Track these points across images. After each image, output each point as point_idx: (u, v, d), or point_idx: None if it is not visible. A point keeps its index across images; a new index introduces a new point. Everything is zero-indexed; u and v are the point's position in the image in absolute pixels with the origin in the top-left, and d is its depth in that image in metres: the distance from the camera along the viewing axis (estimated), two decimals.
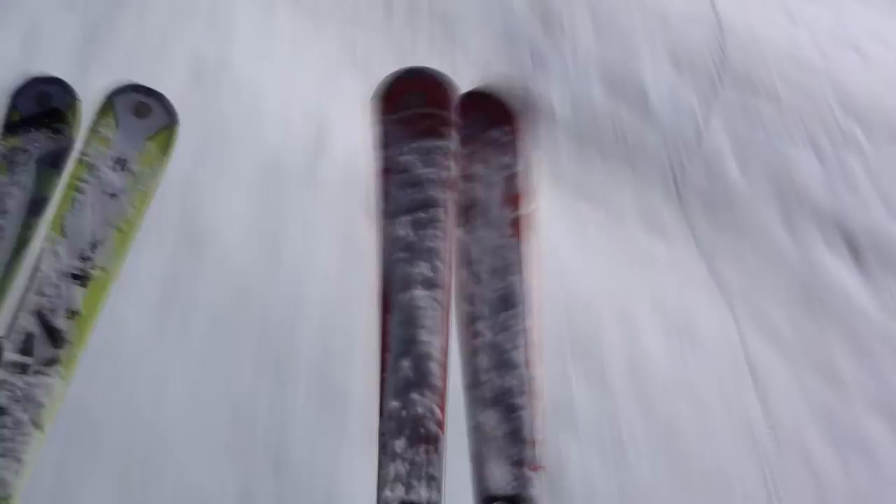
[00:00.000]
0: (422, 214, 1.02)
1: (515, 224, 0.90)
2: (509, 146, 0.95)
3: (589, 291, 1.20)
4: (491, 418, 0.81)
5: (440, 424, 0.90)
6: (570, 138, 1.40)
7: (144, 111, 0.91)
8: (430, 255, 1.01)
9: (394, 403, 0.91)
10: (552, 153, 1.36)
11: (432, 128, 1.07)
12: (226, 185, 1.11)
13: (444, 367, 0.95)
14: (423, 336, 0.95)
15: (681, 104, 1.52)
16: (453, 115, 0.97)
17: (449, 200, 1.03)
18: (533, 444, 0.82)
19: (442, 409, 0.91)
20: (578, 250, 1.25)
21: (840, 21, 1.83)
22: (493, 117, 0.96)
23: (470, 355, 0.84)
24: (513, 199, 0.89)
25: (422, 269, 1.01)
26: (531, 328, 0.87)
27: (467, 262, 0.90)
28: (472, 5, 1.53)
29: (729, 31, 1.70)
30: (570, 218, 1.29)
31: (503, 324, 0.88)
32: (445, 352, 0.97)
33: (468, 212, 0.93)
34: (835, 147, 1.50)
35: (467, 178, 0.95)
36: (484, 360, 0.87)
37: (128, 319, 0.98)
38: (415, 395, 0.92)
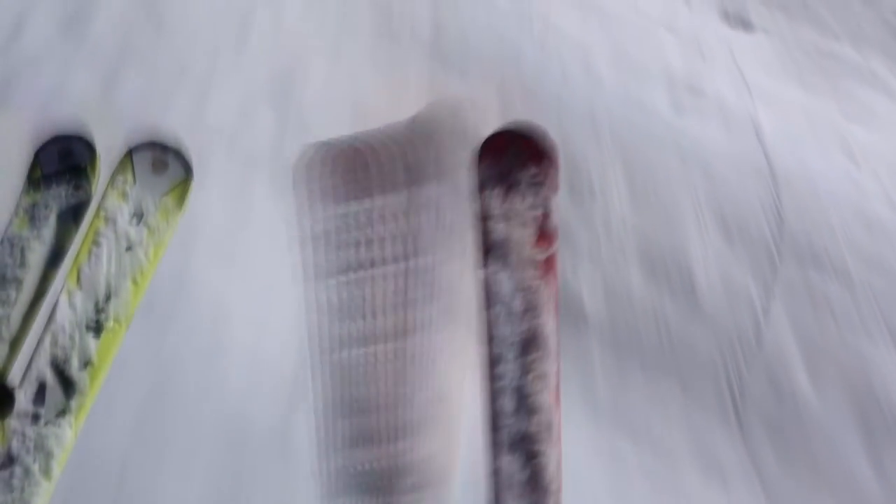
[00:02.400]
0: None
1: (543, 265, 0.82)
2: (540, 186, 0.87)
3: None
4: (511, 463, 0.78)
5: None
6: (604, 344, 1.16)
7: (161, 167, 0.89)
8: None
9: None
10: (584, 366, 1.13)
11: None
12: (174, 466, 0.88)
13: None
14: None
15: (735, 288, 1.28)
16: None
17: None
18: (553, 492, 0.78)
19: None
20: None
21: None
22: (524, 157, 0.87)
23: (490, 399, 0.79)
24: (543, 239, 0.81)
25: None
26: (554, 372, 0.79)
27: (490, 303, 0.83)
28: None
29: (783, 180, 1.47)
30: (607, 460, 1.05)
31: (527, 367, 0.81)
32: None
33: (495, 251, 0.84)
34: None
35: (496, 217, 0.87)
36: (506, 404, 0.81)
37: None
38: None
